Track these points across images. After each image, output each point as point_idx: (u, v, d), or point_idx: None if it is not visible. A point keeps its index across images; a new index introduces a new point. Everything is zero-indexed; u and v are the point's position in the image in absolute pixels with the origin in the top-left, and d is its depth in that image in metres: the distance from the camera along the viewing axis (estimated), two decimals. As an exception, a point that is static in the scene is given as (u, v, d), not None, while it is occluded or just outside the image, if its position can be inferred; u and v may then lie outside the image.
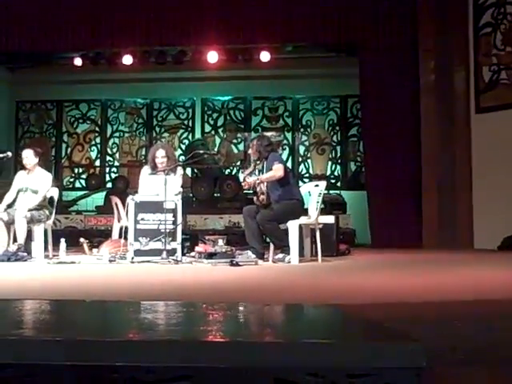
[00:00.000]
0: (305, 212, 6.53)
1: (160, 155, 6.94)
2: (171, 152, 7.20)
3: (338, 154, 12.08)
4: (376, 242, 9.51)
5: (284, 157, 11.46)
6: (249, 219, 6.35)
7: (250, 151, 6.66)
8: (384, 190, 9.51)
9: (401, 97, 9.58)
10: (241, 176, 7.31)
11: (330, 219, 7.06)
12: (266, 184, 6.38)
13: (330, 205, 9.89)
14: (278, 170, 6.30)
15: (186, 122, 12.60)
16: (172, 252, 6.33)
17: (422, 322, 2.90)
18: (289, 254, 6.15)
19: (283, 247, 6.27)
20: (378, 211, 9.56)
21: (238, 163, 12.11)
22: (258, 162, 6.51)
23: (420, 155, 9.44)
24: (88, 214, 10.89)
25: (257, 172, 6.41)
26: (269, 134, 10.99)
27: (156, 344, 1.90)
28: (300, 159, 12.18)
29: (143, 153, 12.36)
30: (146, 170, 7.07)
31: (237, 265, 5.84)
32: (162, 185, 6.46)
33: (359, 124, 11.35)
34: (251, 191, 6.69)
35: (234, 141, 12.48)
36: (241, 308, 2.84)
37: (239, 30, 9.78)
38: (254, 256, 6.19)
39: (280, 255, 6.24)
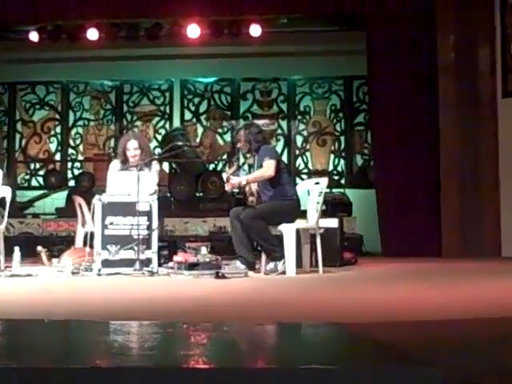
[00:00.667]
0: (302, 214, 6.60)
1: (132, 147, 7.00)
2: (145, 143, 7.26)
3: (342, 146, 12.12)
4: (387, 250, 9.52)
5: (278, 148, 11.46)
6: (237, 223, 6.41)
7: (238, 144, 6.74)
8: (396, 189, 9.58)
9: (415, 78, 9.64)
10: (224, 175, 7.33)
11: (332, 223, 7.18)
12: (256, 183, 6.48)
13: (333, 206, 9.98)
14: (267, 168, 6.38)
15: (162, 108, 12.56)
16: (146, 262, 6.42)
17: (439, 344, 2.90)
18: (279, 259, 6.26)
19: (273, 253, 6.33)
20: (390, 213, 9.63)
21: (224, 157, 12.13)
22: (249, 156, 6.62)
23: (438, 147, 9.51)
24: (47, 218, 10.91)
25: (246, 168, 6.56)
26: (260, 122, 11.01)
27: (128, 372, 1.89)
28: (297, 152, 12.21)
29: (112, 145, 12.27)
30: (115, 164, 7.13)
31: (223, 277, 5.92)
32: (134, 182, 6.53)
33: (366, 110, 11.45)
34: (238, 191, 6.97)
35: (220, 130, 12.47)
36: (228, 328, 2.84)
37: (225, -2, 9.83)
38: (243, 266, 6.28)
39: (271, 264, 6.33)
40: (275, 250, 6.37)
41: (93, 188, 10.51)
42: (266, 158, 6.43)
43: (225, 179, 6.46)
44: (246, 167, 6.71)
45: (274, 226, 6.45)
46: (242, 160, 7.32)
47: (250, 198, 6.55)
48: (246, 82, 12.41)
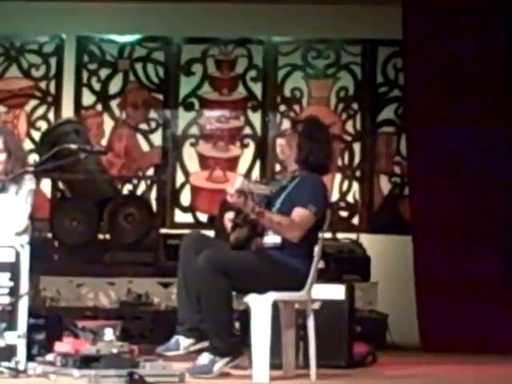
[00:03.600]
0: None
1: None
2: (15, 144, 6.42)
3: (357, 160, 10.56)
4: (428, 342, 8.53)
5: (246, 160, 10.19)
6: (195, 259, 5.60)
7: (283, 142, 6.09)
8: (448, 236, 8.67)
9: (489, 50, 8.75)
10: (239, 180, 5.86)
11: (336, 292, 6.75)
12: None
13: (338, 262, 9.06)
14: (300, 225, 5.59)
15: (43, 86, 10.56)
16: (7, 353, 5.68)
17: None
18: (221, 355, 5.48)
19: (217, 342, 5.50)
20: (436, 278, 8.86)
21: (151, 171, 10.29)
22: (285, 170, 6.00)
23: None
24: None
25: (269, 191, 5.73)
26: (215, 113, 10.20)
27: None
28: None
29: None
30: None
31: (141, 382, 5.19)
32: None
33: (400, 99, 10.21)
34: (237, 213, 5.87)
35: (143, 126, 10.47)
36: None
37: None
38: (188, 342, 5.66)
39: (205, 357, 5.52)
40: (222, 338, 5.49)
41: None
42: (310, 205, 5.60)
43: (237, 186, 5.52)
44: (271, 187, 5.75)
45: (241, 295, 5.71)
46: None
47: (235, 234, 5.78)
48: (191, 45, 10.60)
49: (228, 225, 5.92)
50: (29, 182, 6.20)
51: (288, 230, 5.69)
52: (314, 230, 5.83)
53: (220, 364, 5.54)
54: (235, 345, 5.63)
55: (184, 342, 5.71)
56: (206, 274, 5.63)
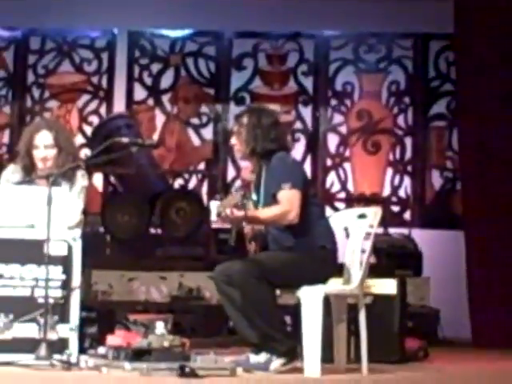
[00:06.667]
0: (337, 270, 5.96)
1: (42, 143, 6.29)
2: (66, 139, 6.45)
3: (408, 155, 10.62)
4: (480, 337, 8.55)
5: (297, 154, 9.58)
6: (231, 290, 5.64)
7: (232, 141, 5.95)
8: (502, 232, 8.63)
9: None
10: (213, 205, 5.96)
11: (388, 287, 6.73)
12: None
13: (390, 257, 9.10)
14: (288, 206, 5.61)
15: (95, 80, 10.69)
16: (59, 346, 5.70)
17: None
18: (279, 355, 5.52)
19: (270, 341, 5.58)
20: (489, 274, 8.79)
21: (202, 166, 10.58)
22: (246, 163, 6.39)
23: None
24: None
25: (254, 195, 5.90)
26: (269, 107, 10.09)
27: None
28: (328, 162, 10.77)
29: (6, 139, 10.78)
30: (10, 173, 6.42)
31: (192, 375, 5.18)
32: (42, 206, 5.82)
33: (452, 93, 10.21)
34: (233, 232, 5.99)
35: (194, 120, 10.63)
36: None
37: None
38: (262, 359, 5.56)
39: (261, 357, 5.58)
40: (275, 338, 5.54)
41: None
42: (283, 184, 5.61)
43: (214, 211, 5.68)
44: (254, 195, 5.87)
45: (285, 291, 5.74)
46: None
47: (251, 246, 5.91)
48: (242, 40, 10.76)
49: (249, 247, 5.99)
50: (81, 179, 6.33)
51: (282, 216, 5.70)
52: (307, 209, 5.82)
53: (276, 364, 5.60)
54: (292, 347, 5.66)
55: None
56: (245, 285, 5.66)
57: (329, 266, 5.82)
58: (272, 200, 5.66)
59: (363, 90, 10.63)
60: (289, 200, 5.63)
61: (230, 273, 5.70)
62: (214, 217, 5.73)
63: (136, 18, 10.38)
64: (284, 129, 6.60)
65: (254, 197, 5.90)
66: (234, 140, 5.96)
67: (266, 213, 5.72)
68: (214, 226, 6.47)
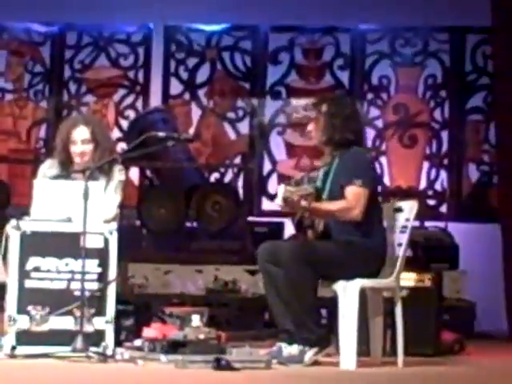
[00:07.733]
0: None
1: (79, 138, 6.35)
2: (102, 133, 6.57)
3: (445, 148, 10.65)
4: None
5: None
6: (275, 270, 5.67)
7: (309, 127, 5.84)
8: None
9: None
10: (281, 189, 5.89)
11: (424, 280, 6.83)
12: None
13: (426, 251, 9.05)
14: (354, 202, 5.63)
15: (131, 75, 10.83)
16: (96, 338, 5.85)
17: None
18: (311, 345, 5.55)
19: (304, 331, 5.58)
20: None
21: (238, 160, 10.67)
22: (323, 151, 5.92)
23: None
24: None
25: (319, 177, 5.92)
26: (303, 102, 10.19)
27: None
28: None
29: (43, 134, 10.86)
30: (47, 167, 6.50)
31: (228, 367, 5.28)
32: (79, 200, 5.89)
33: (489, 86, 10.28)
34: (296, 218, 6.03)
35: (230, 115, 10.77)
36: None
37: None
38: (296, 351, 5.55)
39: (293, 348, 5.61)
40: (310, 328, 5.54)
41: (7, 207, 9.61)
42: (355, 179, 5.60)
43: (281, 195, 5.55)
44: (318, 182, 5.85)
45: (324, 284, 5.74)
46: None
47: (309, 233, 5.90)
48: (278, 34, 10.82)
49: (308, 234, 5.98)
50: (118, 174, 6.40)
51: (346, 212, 5.67)
52: (373, 202, 5.81)
53: (310, 354, 5.58)
54: (324, 335, 5.66)
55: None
56: (291, 264, 5.63)
57: (375, 273, 5.84)
58: (339, 191, 5.67)
59: (399, 83, 10.68)
60: (356, 197, 5.64)
61: (278, 250, 5.70)
62: (279, 200, 5.71)
63: (172, 13, 10.43)
64: (362, 121, 6.69)
65: (319, 184, 5.87)
66: (310, 127, 5.91)
67: (331, 206, 5.73)
68: (278, 202, 6.13)
